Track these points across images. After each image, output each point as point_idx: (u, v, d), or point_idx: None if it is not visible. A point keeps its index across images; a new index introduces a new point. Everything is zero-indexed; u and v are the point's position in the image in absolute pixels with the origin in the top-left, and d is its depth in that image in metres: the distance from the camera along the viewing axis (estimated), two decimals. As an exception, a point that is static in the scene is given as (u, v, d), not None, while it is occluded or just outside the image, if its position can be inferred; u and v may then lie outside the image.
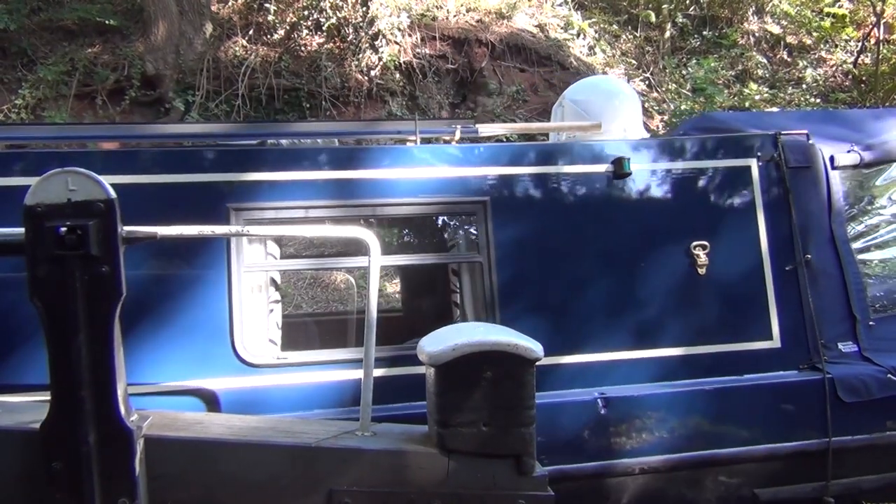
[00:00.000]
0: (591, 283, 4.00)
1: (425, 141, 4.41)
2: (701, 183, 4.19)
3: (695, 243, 4.09)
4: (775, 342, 4.11)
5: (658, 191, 4.13)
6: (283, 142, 4.43)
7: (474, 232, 4.01)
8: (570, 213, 4.04)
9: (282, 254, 4.39)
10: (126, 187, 3.55)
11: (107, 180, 3.51)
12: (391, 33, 11.63)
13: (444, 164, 3.98)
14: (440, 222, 4.85)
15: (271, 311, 4.03)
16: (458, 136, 4.42)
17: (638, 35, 13.95)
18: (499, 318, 3.83)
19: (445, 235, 4.67)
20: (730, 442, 3.91)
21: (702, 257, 4.08)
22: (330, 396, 3.66)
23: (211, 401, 3.58)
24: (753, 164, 4.25)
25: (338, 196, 3.87)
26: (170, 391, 3.56)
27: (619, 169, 4.05)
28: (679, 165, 4.18)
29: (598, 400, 3.80)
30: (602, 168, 4.08)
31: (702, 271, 4.07)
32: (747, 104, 12.67)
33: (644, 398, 3.86)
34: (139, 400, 3.41)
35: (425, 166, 3.96)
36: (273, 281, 4.08)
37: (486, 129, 4.69)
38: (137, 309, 3.50)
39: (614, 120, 4.74)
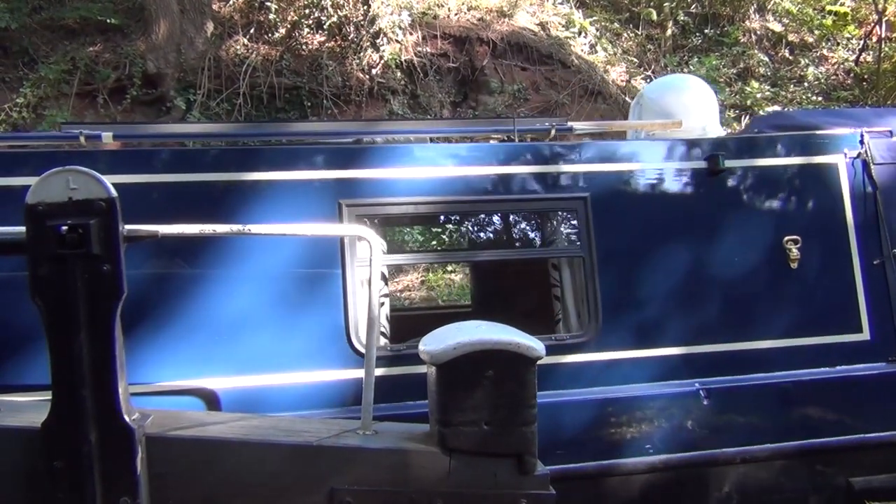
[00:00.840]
0: (688, 276, 4.15)
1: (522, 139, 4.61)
2: (791, 179, 4.32)
3: (787, 238, 4.22)
4: (865, 335, 4.24)
5: (751, 187, 4.28)
6: (378, 139, 4.58)
7: (575, 227, 4.18)
8: (668, 207, 4.20)
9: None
10: (242, 184, 3.83)
11: (221, 177, 3.82)
12: (392, 32, 11.62)
13: (543, 161, 4.14)
14: (540, 218, 5.04)
15: (381, 304, 4.15)
16: (553, 133, 4.57)
17: (639, 33, 13.93)
18: (600, 309, 3.99)
19: (545, 230, 4.85)
20: (824, 432, 4.07)
21: (794, 252, 4.21)
22: None
23: (326, 392, 3.74)
24: (840, 161, 4.37)
25: (443, 192, 4.04)
26: (286, 383, 3.73)
27: (715, 165, 4.19)
28: (770, 162, 4.33)
29: (700, 391, 3.95)
30: (697, 165, 4.22)
31: (794, 265, 4.20)
32: (749, 102, 12.66)
33: (743, 389, 4.03)
34: (258, 392, 3.66)
35: (527, 164, 4.12)
36: (382, 275, 4.23)
37: (580, 127, 4.87)
38: (262, 303, 3.75)
39: (694, 117, 4.86)
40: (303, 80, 11.30)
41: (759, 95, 12.86)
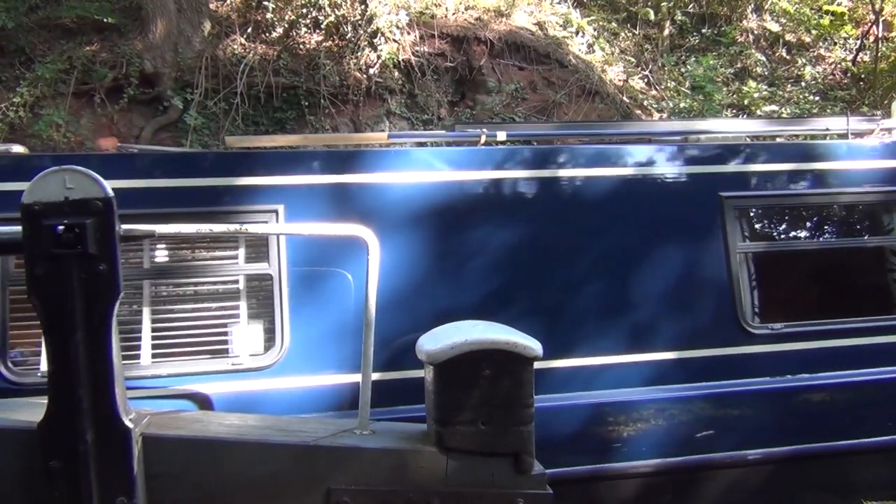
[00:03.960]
0: None
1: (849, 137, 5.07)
2: None
3: None
4: None
5: None
6: (701, 137, 4.98)
7: None
8: None
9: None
10: (624, 180, 4.33)
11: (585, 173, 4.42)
12: (390, 31, 11.60)
13: (888, 156, 4.72)
14: (884, 209, 5.49)
15: (753, 286, 4.53)
16: (877, 130, 5.08)
17: (637, 33, 13.93)
18: None
19: (884, 220, 5.29)
20: None
21: None
22: (822, 361, 4.32)
23: (713, 366, 4.23)
24: None
25: (804, 186, 4.60)
26: (677, 361, 4.21)
27: None
28: None
29: None
30: None
31: None
32: (746, 102, 12.66)
33: None
34: (654, 366, 4.23)
35: (872, 159, 4.70)
36: (754, 256, 4.63)
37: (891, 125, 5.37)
38: (633, 281, 4.26)
39: None
40: (300, 79, 11.27)
41: (756, 95, 12.86)
